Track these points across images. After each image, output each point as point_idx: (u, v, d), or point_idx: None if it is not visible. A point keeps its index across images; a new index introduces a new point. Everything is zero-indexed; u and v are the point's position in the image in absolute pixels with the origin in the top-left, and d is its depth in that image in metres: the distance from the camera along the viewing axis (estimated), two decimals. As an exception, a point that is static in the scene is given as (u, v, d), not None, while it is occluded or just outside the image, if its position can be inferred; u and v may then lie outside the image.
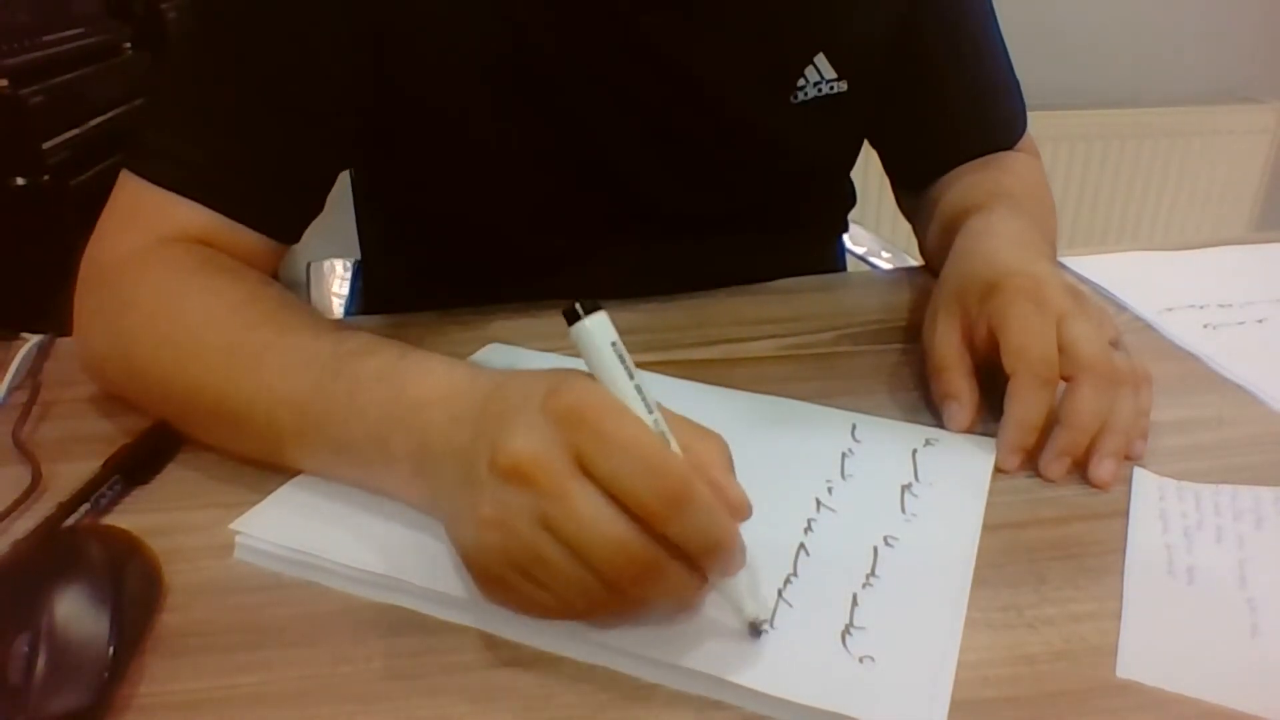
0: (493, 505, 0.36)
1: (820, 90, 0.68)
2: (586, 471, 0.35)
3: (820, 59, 0.67)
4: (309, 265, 1.19)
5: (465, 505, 0.38)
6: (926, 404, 0.56)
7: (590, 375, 0.37)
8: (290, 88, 0.58)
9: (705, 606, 0.39)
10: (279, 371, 0.47)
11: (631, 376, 0.37)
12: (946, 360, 0.55)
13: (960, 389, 0.53)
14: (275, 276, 0.60)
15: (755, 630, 0.38)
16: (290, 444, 0.47)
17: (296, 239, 0.63)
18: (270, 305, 0.52)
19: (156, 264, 0.55)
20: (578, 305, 0.37)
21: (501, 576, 0.37)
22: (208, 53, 0.59)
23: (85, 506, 0.46)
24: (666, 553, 0.35)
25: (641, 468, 0.34)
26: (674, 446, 0.36)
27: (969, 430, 0.52)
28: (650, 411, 0.37)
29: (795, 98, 0.68)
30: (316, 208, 0.64)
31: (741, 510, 0.37)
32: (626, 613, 0.37)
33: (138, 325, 0.52)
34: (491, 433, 0.37)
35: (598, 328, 0.37)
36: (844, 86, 0.68)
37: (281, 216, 0.61)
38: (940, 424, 0.53)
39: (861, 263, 1.11)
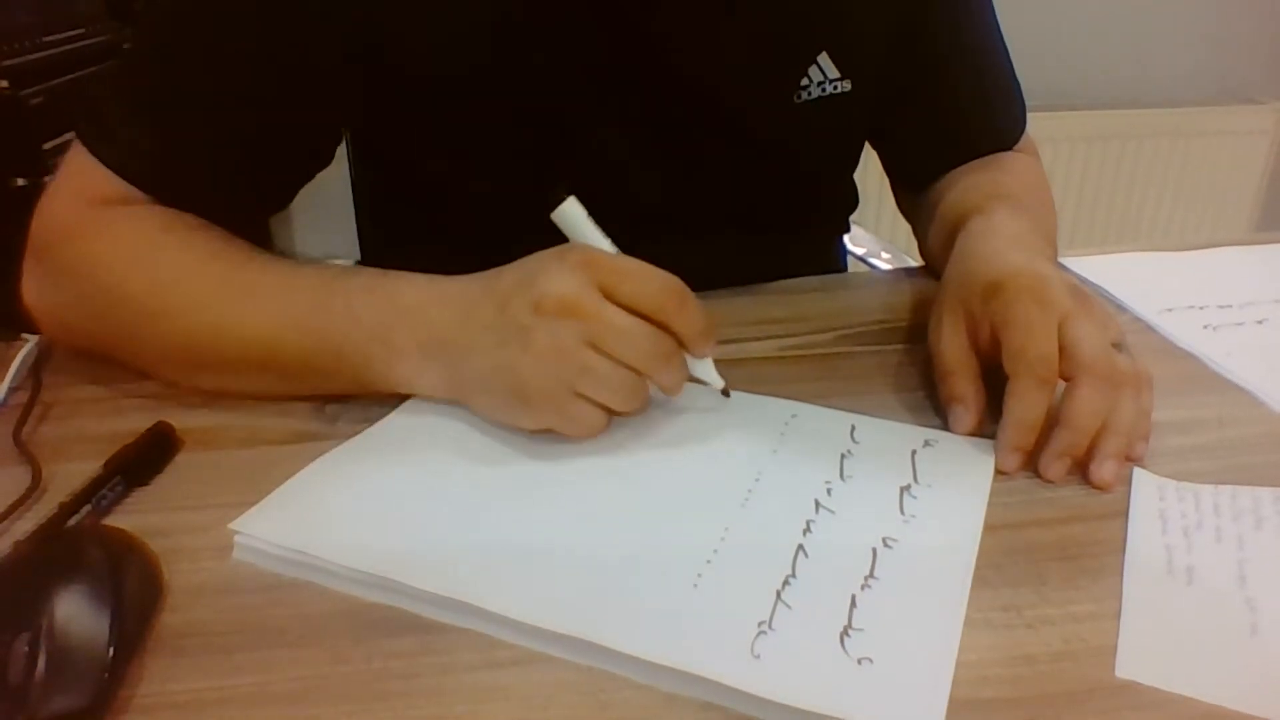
0: (547, 337, 0.46)
1: (824, 90, 0.68)
2: (611, 299, 0.46)
3: (824, 58, 0.67)
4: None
5: (514, 352, 0.47)
6: (927, 405, 0.56)
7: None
8: (253, 81, 0.57)
9: (705, 612, 0.39)
10: (273, 300, 0.52)
11: (605, 236, 0.51)
12: (953, 364, 0.55)
13: (966, 393, 0.53)
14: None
15: (726, 393, 0.53)
16: (293, 364, 0.52)
17: (254, 231, 0.62)
18: (245, 249, 0.56)
19: (124, 222, 0.56)
20: (557, 193, 0.50)
21: (554, 398, 0.47)
22: (171, 35, 0.59)
23: (86, 507, 0.46)
24: (674, 342, 0.48)
25: (653, 285, 0.47)
26: None
27: (973, 433, 0.52)
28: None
29: (799, 97, 0.68)
30: (277, 202, 0.64)
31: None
32: (642, 407, 0.49)
33: (114, 282, 0.54)
34: (522, 294, 0.47)
35: (574, 206, 0.51)
36: (847, 86, 0.68)
37: (233, 212, 0.59)
38: (940, 425, 0.53)
39: (861, 263, 1.11)
